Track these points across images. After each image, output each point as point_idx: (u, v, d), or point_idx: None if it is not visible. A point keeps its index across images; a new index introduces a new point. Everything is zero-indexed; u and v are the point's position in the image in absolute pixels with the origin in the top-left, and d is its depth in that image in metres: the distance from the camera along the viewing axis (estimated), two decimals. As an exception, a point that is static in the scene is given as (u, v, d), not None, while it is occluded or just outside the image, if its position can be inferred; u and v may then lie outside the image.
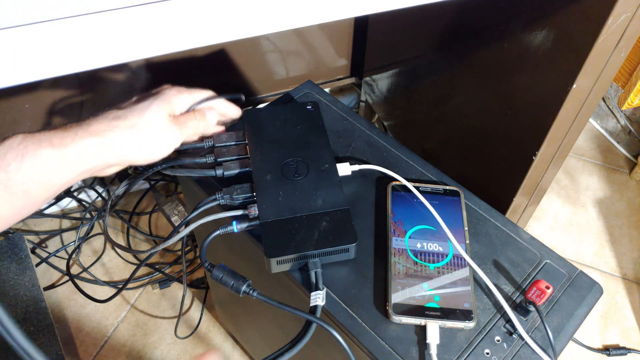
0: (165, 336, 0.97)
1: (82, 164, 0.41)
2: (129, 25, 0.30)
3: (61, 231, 1.09)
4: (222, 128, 0.55)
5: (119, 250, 1.08)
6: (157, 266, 1.05)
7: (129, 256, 1.07)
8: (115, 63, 0.31)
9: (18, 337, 0.27)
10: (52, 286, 1.02)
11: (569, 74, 0.52)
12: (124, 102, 0.47)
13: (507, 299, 0.45)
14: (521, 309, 0.44)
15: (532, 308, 0.43)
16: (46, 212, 1.11)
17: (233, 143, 0.54)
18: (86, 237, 1.07)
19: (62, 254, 1.06)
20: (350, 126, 0.59)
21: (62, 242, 1.09)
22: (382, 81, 1.01)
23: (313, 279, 0.44)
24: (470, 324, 0.43)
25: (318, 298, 0.43)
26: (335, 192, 0.48)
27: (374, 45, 1.00)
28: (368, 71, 1.07)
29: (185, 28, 0.32)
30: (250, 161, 0.51)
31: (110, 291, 1.01)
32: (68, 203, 1.12)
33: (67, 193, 1.09)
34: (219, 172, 0.51)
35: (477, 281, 0.46)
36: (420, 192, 0.51)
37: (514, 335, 0.43)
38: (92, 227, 1.07)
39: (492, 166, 0.72)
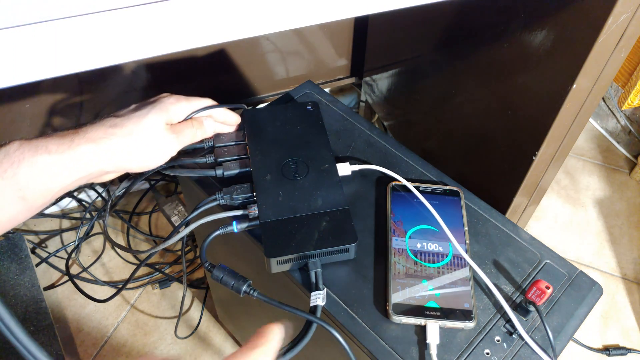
0: (165, 336, 0.97)
1: (79, 171, 0.41)
2: (129, 25, 0.30)
3: (61, 231, 1.09)
4: None
5: (119, 250, 1.08)
6: (157, 266, 1.05)
7: (129, 256, 1.07)
8: (115, 63, 0.31)
9: (21, 337, 0.27)
10: (52, 286, 1.02)
11: (569, 74, 0.52)
12: (122, 109, 0.47)
13: (507, 299, 0.45)
14: (521, 309, 0.44)
15: (532, 308, 0.43)
16: (46, 212, 1.11)
17: (233, 143, 0.54)
18: (86, 237, 1.07)
19: (62, 254, 1.06)
20: (350, 126, 0.59)
21: (62, 242, 1.09)
22: (382, 81, 1.01)
23: (313, 279, 0.44)
24: (470, 324, 0.43)
25: (318, 298, 0.43)
26: (335, 192, 0.48)
27: (374, 45, 1.00)
28: (368, 71, 1.07)
29: (185, 28, 0.32)
30: (250, 161, 0.51)
31: (110, 291, 1.01)
32: (68, 203, 1.12)
33: (67, 193, 1.09)
34: (219, 172, 0.51)
35: (477, 281, 0.46)
36: (420, 192, 0.51)
37: (514, 335, 0.43)
38: (92, 227, 1.07)
39: (492, 166, 0.72)
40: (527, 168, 0.63)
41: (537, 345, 0.42)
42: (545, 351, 0.42)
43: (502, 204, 0.70)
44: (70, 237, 1.09)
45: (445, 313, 0.43)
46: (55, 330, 0.84)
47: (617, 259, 1.10)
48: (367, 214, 0.51)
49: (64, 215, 1.11)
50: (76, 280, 1.00)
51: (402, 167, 0.55)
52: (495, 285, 0.45)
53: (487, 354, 0.42)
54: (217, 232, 0.47)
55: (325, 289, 0.45)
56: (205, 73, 0.94)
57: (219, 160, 0.52)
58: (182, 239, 0.51)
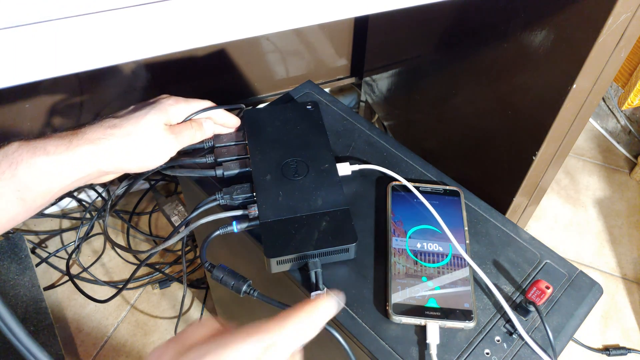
0: (165, 336, 0.97)
1: (77, 172, 0.42)
2: (129, 25, 0.30)
3: (61, 231, 1.09)
4: None
5: (119, 250, 1.08)
6: (157, 266, 1.05)
7: (129, 256, 1.07)
8: (115, 63, 0.31)
9: (21, 337, 0.27)
10: (52, 286, 1.02)
11: (569, 74, 0.52)
12: (121, 110, 0.47)
13: (507, 299, 0.45)
14: (521, 309, 0.44)
15: (532, 308, 0.43)
16: (46, 212, 1.11)
17: (233, 143, 0.54)
18: (86, 237, 1.07)
19: (62, 254, 1.06)
20: (350, 126, 0.59)
21: (62, 242, 1.09)
22: (382, 81, 1.01)
23: (313, 279, 0.44)
24: (470, 324, 0.43)
25: (318, 298, 0.43)
26: (335, 192, 0.48)
27: (374, 45, 1.00)
28: (368, 71, 1.07)
29: (185, 28, 0.32)
30: (250, 161, 0.51)
31: (110, 291, 1.01)
32: (68, 203, 1.12)
33: (67, 193, 1.09)
34: (219, 172, 0.51)
35: (477, 281, 0.46)
36: (420, 192, 0.51)
37: (514, 335, 0.43)
38: (92, 227, 1.07)
39: (492, 166, 0.72)
40: (527, 168, 0.63)
41: (537, 345, 0.42)
42: (545, 351, 0.42)
43: (502, 204, 0.70)
44: (70, 237, 1.09)
45: (445, 313, 0.43)
46: (55, 330, 0.85)
47: (617, 259, 1.10)
48: (367, 214, 0.51)
49: (64, 215, 1.11)
50: (76, 280, 1.00)
51: (402, 167, 0.55)
52: (495, 285, 0.45)
53: (487, 354, 0.42)
54: (217, 232, 0.47)
55: (325, 289, 0.45)
56: (205, 73, 0.94)
57: (219, 160, 0.52)
58: (182, 239, 0.51)
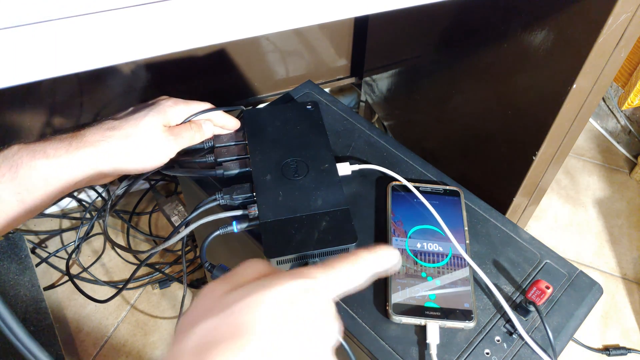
0: (165, 336, 0.97)
1: (77, 175, 0.42)
2: (129, 25, 0.30)
3: (61, 231, 1.09)
4: None
5: (119, 250, 1.08)
6: (157, 266, 1.05)
7: (129, 256, 1.07)
8: (115, 63, 0.31)
9: (22, 337, 0.27)
10: (52, 286, 1.02)
11: (569, 74, 0.52)
12: (120, 112, 0.47)
13: (507, 299, 0.45)
14: (521, 309, 0.44)
15: (532, 308, 0.43)
16: (46, 212, 1.11)
17: (233, 143, 0.54)
18: (86, 237, 1.07)
19: (62, 254, 1.06)
20: (350, 126, 0.59)
21: (62, 242, 1.09)
22: (382, 81, 1.01)
23: (313, 279, 0.44)
24: (470, 324, 0.43)
25: (318, 298, 0.43)
26: (335, 192, 0.48)
27: (374, 45, 1.00)
28: (368, 71, 1.07)
29: (185, 28, 0.32)
30: (250, 161, 0.51)
31: (110, 291, 1.01)
32: (68, 203, 1.12)
33: (67, 193, 1.09)
34: (219, 172, 0.51)
35: (477, 281, 0.46)
36: (420, 192, 0.51)
37: (514, 335, 0.43)
38: (92, 227, 1.07)
39: (492, 166, 0.72)
40: (527, 168, 0.63)
41: (537, 345, 0.42)
42: (545, 351, 0.42)
43: (502, 204, 0.70)
44: (70, 237, 1.09)
45: (445, 313, 0.43)
46: (55, 330, 0.84)
47: (617, 259, 1.10)
48: (367, 214, 0.51)
49: (64, 215, 1.11)
50: (76, 280, 1.00)
51: (402, 167, 0.55)
52: (495, 285, 0.45)
53: (487, 354, 0.42)
54: (217, 232, 0.47)
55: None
56: (205, 73, 0.94)
57: (218, 160, 0.52)
58: (182, 239, 0.51)
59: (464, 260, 0.46)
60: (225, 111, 0.53)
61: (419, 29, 0.81)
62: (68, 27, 0.29)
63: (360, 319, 0.43)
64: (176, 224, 1.07)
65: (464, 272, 0.46)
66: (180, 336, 0.27)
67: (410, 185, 0.51)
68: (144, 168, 0.46)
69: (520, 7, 0.57)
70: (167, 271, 1.04)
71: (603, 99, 1.29)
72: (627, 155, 1.28)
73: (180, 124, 0.49)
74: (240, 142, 0.54)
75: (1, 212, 0.39)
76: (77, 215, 1.12)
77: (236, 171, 0.52)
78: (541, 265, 0.48)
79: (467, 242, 0.48)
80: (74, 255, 1.03)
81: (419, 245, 0.48)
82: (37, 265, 1.03)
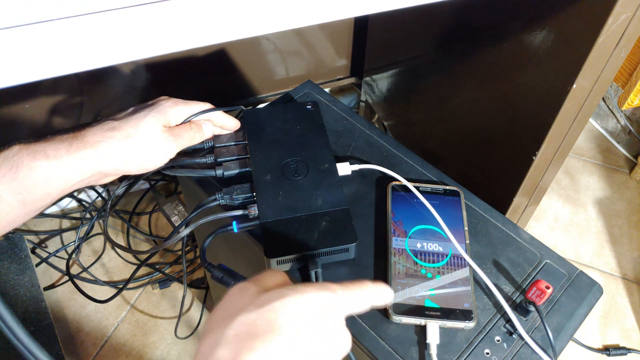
0: (165, 336, 0.97)
1: (77, 175, 0.42)
2: (129, 25, 0.30)
3: (61, 231, 1.09)
4: None
5: (119, 250, 1.08)
6: (157, 266, 1.05)
7: (129, 256, 1.07)
8: (115, 63, 0.31)
9: (22, 337, 0.27)
10: (52, 286, 1.02)
11: (569, 74, 0.52)
12: (120, 112, 0.47)
13: (507, 299, 0.45)
14: (521, 309, 0.44)
15: (532, 308, 0.43)
16: (46, 212, 1.11)
17: (233, 143, 0.54)
18: (86, 237, 1.07)
19: (62, 254, 1.06)
20: (350, 126, 0.59)
21: (62, 242, 1.09)
22: (382, 81, 1.01)
23: (313, 279, 0.44)
24: (470, 324, 0.43)
25: (318, 298, 0.43)
26: (335, 192, 0.48)
27: (374, 45, 1.00)
28: (368, 71, 1.07)
29: (185, 28, 0.32)
30: (250, 161, 0.51)
31: (110, 291, 1.01)
32: (68, 203, 1.12)
33: (67, 194, 1.09)
34: (219, 172, 0.51)
35: (477, 281, 0.46)
36: (420, 192, 0.51)
37: (514, 335, 0.43)
38: (92, 227, 1.07)
39: (492, 166, 0.72)
40: (527, 168, 0.63)
41: (537, 345, 0.42)
42: (545, 351, 0.42)
43: (502, 204, 0.70)
44: (70, 237, 1.09)
45: (445, 313, 0.43)
46: (55, 330, 0.85)
47: (617, 259, 1.10)
48: (367, 214, 0.51)
49: (64, 215, 1.11)
50: (76, 281, 1.00)
51: (402, 167, 0.55)
52: (495, 285, 0.45)
53: (487, 354, 0.42)
54: (217, 232, 0.47)
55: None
56: (205, 73, 0.94)
57: (219, 160, 0.52)
58: (182, 239, 0.51)
59: (464, 260, 0.46)
60: (225, 111, 0.53)
61: (419, 29, 0.81)
62: (68, 27, 0.29)
63: (360, 319, 0.43)
64: (176, 224, 1.07)
65: (464, 272, 0.46)
66: (221, 323, 0.31)
67: (410, 185, 0.51)
68: (144, 168, 0.46)
69: (520, 7, 0.57)
70: (167, 271, 1.04)
71: (603, 99, 1.29)
72: (627, 155, 1.28)
73: (180, 124, 0.49)
74: (240, 142, 0.54)
75: (1, 212, 0.39)
76: (77, 215, 1.12)
77: (236, 171, 0.52)
78: (541, 265, 0.48)
79: (467, 242, 0.48)
80: (74, 255, 1.03)
81: (419, 245, 0.48)
82: (37, 265, 1.03)
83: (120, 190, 0.58)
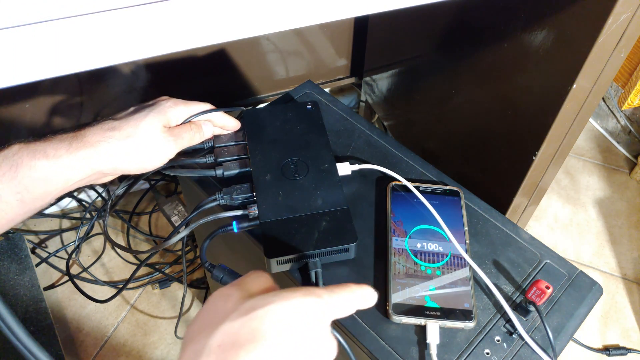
0: (165, 336, 0.97)
1: (77, 175, 0.42)
2: (129, 25, 0.30)
3: (61, 231, 1.09)
4: None
5: (119, 250, 1.08)
6: (157, 266, 1.05)
7: (129, 256, 1.07)
8: (115, 63, 0.31)
9: (22, 337, 0.27)
10: (52, 286, 1.02)
11: (569, 74, 0.52)
12: (120, 112, 0.47)
13: (507, 299, 0.45)
14: (521, 309, 0.44)
15: (532, 308, 0.43)
16: (46, 212, 1.11)
17: (233, 143, 0.54)
18: (86, 237, 1.07)
19: (62, 254, 1.06)
20: (350, 126, 0.59)
21: (62, 242, 1.09)
22: (382, 81, 1.01)
23: (313, 279, 0.44)
24: (470, 324, 0.43)
25: (318, 298, 0.43)
26: (335, 192, 0.48)
27: (374, 45, 1.00)
28: (368, 71, 1.07)
29: (185, 28, 0.32)
30: (250, 161, 0.51)
31: (110, 291, 1.01)
32: (68, 203, 1.12)
33: (67, 193, 1.09)
34: (219, 172, 0.51)
35: (477, 281, 0.46)
36: (420, 192, 0.51)
37: (514, 335, 0.43)
38: (92, 227, 1.07)
39: (492, 166, 0.72)
40: (527, 168, 0.63)
41: (537, 345, 0.42)
42: (545, 351, 0.42)
43: (502, 204, 0.70)
44: (70, 237, 1.09)
45: (445, 313, 0.43)
46: (55, 330, 0.85)
47: (617, 259, 1.10)
48: (367, 214, 0.51)
49: (64, 215, 1.11)
50: (76, 281, 1.00)
51: (402, 167, 0.55)
52: (495, 285, 0.45)
53: (487, 354, 0.42)
54: (217, 232, 0.47)
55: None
56: (205, 73, 0.94)
57: (219, 160, 0.52)
58: (182, 239, 0.51)
59: (464, 260, 0.46)
60: (225, 112, 0.53)
61: (419, 29, 0.81)
62: (68, 27, 0.29)
63: (360, 319, 0.43)
64: (176, 224, 1.07)
65: (464, 272, 0.46)
66: (204, 332, 0.30)
67: (410, 185, 0.51)
68: (144, 168, 0.46)
69: (520, 7, 0.57)
70: (167, 271, 1.04)
71: (603, 99, 1.29)
72: (627, 155, 1.28)
73: (180, 124, 0.49)
74: (240, 142, 0.54)
75: (1, 211, 0.39)
76: (77, 215, 1.12)
77: (236, 171, 0.52)
78: (541, 265, 0.48)
79: (467, 242, 0.48)
80: (74, 255, 1.03)
81: (419, 245, 0.48)
82: (37, 265, 1.03)
83: (120, 190, 0.58)
